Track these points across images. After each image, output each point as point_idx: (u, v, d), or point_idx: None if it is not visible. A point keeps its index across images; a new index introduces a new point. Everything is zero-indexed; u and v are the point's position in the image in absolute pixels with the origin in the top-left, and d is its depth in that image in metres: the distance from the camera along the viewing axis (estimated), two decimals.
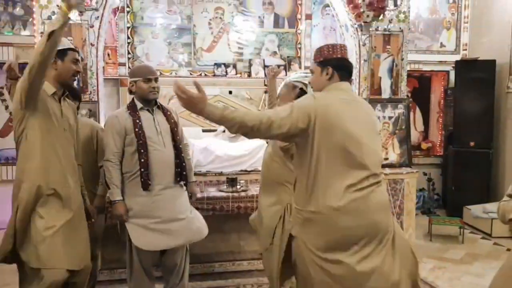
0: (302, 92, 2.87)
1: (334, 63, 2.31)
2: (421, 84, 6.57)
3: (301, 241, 2.24)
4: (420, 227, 5.16)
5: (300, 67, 5.79)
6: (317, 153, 2.15)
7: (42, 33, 3.93)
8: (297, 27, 5.97)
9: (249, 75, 5.74)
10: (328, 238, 2.16)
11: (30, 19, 5.54)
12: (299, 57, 5.95)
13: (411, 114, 6.46)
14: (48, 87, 2.51)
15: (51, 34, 2.22)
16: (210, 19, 5.82)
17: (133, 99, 3.13)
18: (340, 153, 2.16)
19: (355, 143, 2.17)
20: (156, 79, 3.10)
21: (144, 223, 2.99)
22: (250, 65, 5.82)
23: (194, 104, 2.04)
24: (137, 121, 3.00)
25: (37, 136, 2.44)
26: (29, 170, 2.44)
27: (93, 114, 4.02)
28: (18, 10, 5.61)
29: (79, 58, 2.67)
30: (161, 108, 3.18)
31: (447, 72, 6.51)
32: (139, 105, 3.08)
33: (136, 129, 2.98)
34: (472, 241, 5.11)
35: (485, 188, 5.77)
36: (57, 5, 3.88)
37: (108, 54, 5.49)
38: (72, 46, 2.67)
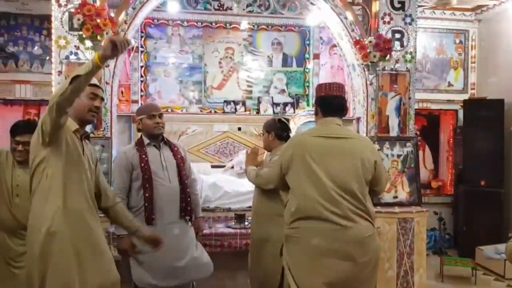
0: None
1: (318, 101, 2.67)
2: (429, 123, 6.60)
3: None
4: (431, 268, 5.08)
5: (308, 105, 5.88)
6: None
7: (59, 71, 4.07)
8: (305, 66, 6.10)
9: (258, 112, 5.84)
10: None
11: (48, 58, 5.74)
12: (307, 95, 6.05)
13: (421, 152, 6.46)
14: (71, 123, 2.41)
15: (75, 78, 2.13)
16: (221, 59, 5.98)
17: (141, 135, 3.21)
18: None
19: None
20: (160, 115, 3.18)
21: (148, 260, 3.00)
22: (259, 102, 5.92)
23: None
24: (144, 156, 3.07)
25: (59, 175, 2.30)
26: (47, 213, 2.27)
27: (106, 150, 4.09)
28: (37, 49, 5.81)
29: (99, 93, 2.51)
30: (168, 143, 3.25)
31: (456, 110, 6.54)
32: (146, 141, 3.15)
33: (142, 164, 3.04)
34: (485, 283, 5.00)
35: (497, 228, 5.68)
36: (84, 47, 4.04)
37: (122, 92, 5.63)
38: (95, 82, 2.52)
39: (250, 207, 4.42)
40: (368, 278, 2.59)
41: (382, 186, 2.78)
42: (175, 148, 3.25)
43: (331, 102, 2.62)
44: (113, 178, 3.15)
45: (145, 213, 3.00)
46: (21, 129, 3.01)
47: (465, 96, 6.44)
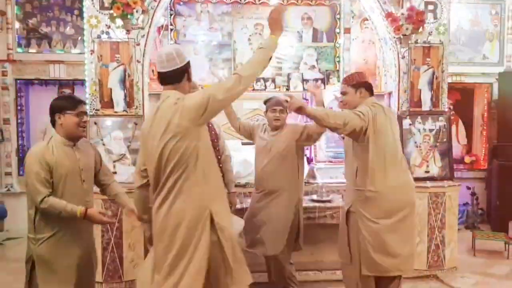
0: None
1: (366, 85, 3.19)
2: (463, 97, 6.47)
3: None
4: (463, 242, 5.06)
5: (338, 81, 5.83)
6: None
7: (92, 50, 4.16)
8: (335, 41, 6.01)
9: (288, 89, 5.82)
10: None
11: (80, 38, 5.86)
12: (338, 71, 5.98)
13: (454, 127, 6.37)
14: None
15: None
16: (250, 35, 5.96)
17: None
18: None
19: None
20: None
21: None
22: (289, 79, 5.90)
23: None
24: None
25: None
26: None
27: (139, 127, 4.18)
28: (69, 30, 5.93)
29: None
30: None
31: (491, 84, 6.39)
32: None
33: None
34: None
35: None
36: None
37: (153, 71, 5.69)
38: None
39: None
40: None
41: None
42: (210, 125, 3.31)
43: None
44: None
45: None
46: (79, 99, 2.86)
47: (501, 69, 6.26)
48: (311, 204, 4.15)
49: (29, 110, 5.97)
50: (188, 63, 2.49)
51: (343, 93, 3.21)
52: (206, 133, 2.50)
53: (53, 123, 2.71)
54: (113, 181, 3.01)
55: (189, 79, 2.51)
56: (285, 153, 3.54)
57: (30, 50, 5.84)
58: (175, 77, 2.46)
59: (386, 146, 3.03)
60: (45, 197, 2.54)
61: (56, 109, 2.68)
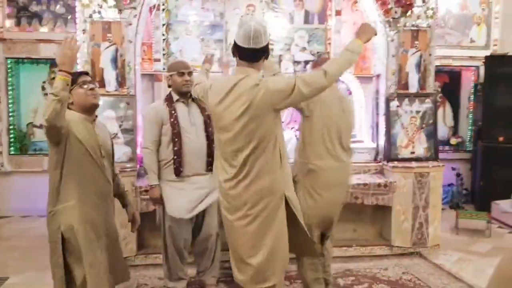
0: None
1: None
2: (451, 80, 6.57)
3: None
4: (447, 221, 5.21)
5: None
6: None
7: (84, 30, 4.18)
8: (327, 23, 6.05)
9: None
10: None
11: (67, 16, 5.84)
12: (329, 53, 6.03)
13: (441, 109, 6.48)
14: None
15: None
16: (242, 16, 5.96)
17: (170, 92, 3.35)
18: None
19: None
20: (189, 73, 3.32)
21: (178, 195, 3.26)
22: (280, 60, 5.94)
23: None
24: (173, 112, 3.22)
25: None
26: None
27: (131, 107, 4.24)
28: (59, 8, 5.90)
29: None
30: (196, 101, 3.37)
31: (477, 67, 6.49)
32: (175, 97, 3.30)
33: (172, 120, 3.20)
34: (499, 235, 5.13)
35: None
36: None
37: (144, 51, 5.71)
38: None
39: None
40: None
41: None
42: (203, 105, 3.38)
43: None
44: (144, 132, 3.34)
45: (174, 165, 3.19)
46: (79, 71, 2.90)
47: (487, 53, 6.36)
48: None
49: (20, 89, 5.96)
50: (268, 43, 2.54)
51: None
52: (281, 119, 2.60)
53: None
54: (117, 174, 2.96)
55: (265, 58, 2.58)
56: None
57: (21, 29, 5.81)
58: (256, 55, 2.51)
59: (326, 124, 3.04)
60: None
61: None
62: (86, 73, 2.76)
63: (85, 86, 2.60)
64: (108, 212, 2.69)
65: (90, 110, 2.64)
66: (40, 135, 5.88)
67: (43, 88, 5.93)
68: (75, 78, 2.57)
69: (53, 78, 5.84)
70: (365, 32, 2.65)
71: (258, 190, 2.51)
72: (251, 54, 2.50)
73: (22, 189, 5.56)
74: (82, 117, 2.59)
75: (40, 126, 5.80)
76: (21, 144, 5.84)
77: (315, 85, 2.45)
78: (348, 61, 2.56)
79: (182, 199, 3.26)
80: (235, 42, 2.56)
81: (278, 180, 2.54)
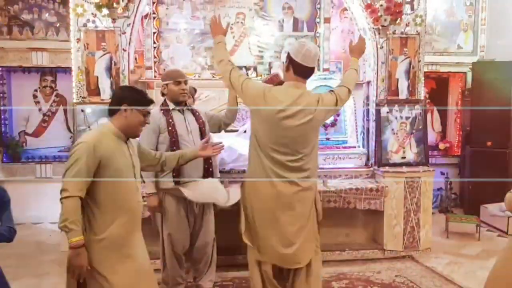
0: None
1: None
2: (438, 85, 6.69)
3: None
4: (437, 225, 5.30)
5: (318, 69, 5.97)
6: None
7: (78, 39, 4.21)
8: (316, 30, 6.14)
9: None
10: None
11: (59, 25, 5.85)
12: (318, 60, 6.10)
13: (429, 115, 6.59)
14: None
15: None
16: (232, 24, 6.03)
17: (164, 100, 3.38)
18: None
19: None
20: (185, 82, 3.35)
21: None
22: (270, 67, 6.01)
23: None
24: (170, 120, 3.26)
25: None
26: None
27: None
28: (51, 17, 5.91)
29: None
30: (191, 108, 3.42)
31: (465, 73, 6.62)
32: (171, 105, 3.33)
33: (170, 128, 3.24)
34: (488, 238, 5.22)
35: (501, 187, 5.82)
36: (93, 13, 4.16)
37: (135, 58, 5.74)
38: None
39: None
40: None
41: None
42: (197, 113, 3.44)
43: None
44: (140, 140, 3.33)
45: (173, 174, 3.21)
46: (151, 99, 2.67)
47: (474, 59, 6.50)
48: None
49: (11, 98, 5.95)
50: None
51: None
52: None
53: (113, 111, 2.49)
54: (161, 152, 3.01)
55: None
56: None
57: (12, 37, 5.81)
58: (311, 73, 2.95)
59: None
60: None
61: (126, 100, 2.46)
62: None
63: (145, 118, 2.53)
64: (138, 236, 2.60)
65: (130, 136, 2.55)
66: (32, 143, 5.88)
67: (35, 96, 5.92)
68: (148, 102, 2.52)
69: (45, 87, 5.87)
70: (358, 50, 3.27)
71: (310, 188, 2.95)
72: (309, 72, 2.91)
73: (15, 197, 5.43)
74: (118, 141, 2.46)
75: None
76: (14, 152, 5.81)
77: (344, 102, 3.06)
78: (356, 78, 3.23)
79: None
80: (292, 59, 2.86)
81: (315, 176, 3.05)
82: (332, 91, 3.05)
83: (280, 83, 3.11)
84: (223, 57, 3.12)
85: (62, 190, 2.30)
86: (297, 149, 2.87)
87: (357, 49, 3.29)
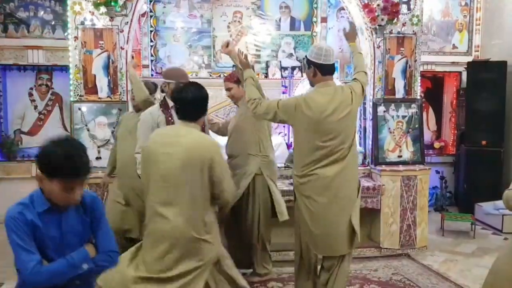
0: None
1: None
2: (434, 85, 6.74)
3: None
4: (433, 223, 5.33)
5: None
6: None
7: (75, 37, 4.20)
8: (312, 29, 6.17)
9: (266, 76, 5.96)
10: None
11: (55, 23, 5.83)
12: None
13: (424, 114, 6.63)
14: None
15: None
16: (229, 23, 6.05)
17: (164, 97, 3.39)
18: None
19: None
20: None
21: None
22: (267, 66, 6.03)
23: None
24: (170, 118, 3.27)
25: None
26: None
27: (123, 113, 4.26)
28: (47, 15, 5.88)
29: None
30: None
31: (460, 73, 6.66)
32: (170, 103, 3.33)
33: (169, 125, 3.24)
34: (483, 236, 5.27)
35: (496, 185, 5.89)
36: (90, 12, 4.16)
37: (132, 57, 5.73)
38: None
39: None
40: None
41: None
42: None
43: None
44: (138, 136, 3.34)
45: None
46: None
47: (469, 59, 6.53)
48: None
49: (6, 96, 5.91)
50: None
51: (228, 89, 3.81)
52: None
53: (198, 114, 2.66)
54: None
55: None
56: None
57: (8, 35, 5.78)
58: (334, 68, 3.11)
59: None
60: None
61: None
62: None
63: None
64: None
65: None
66: (27, 142, 5.85)
67: (30, 95, 5.89)
68: None
69: (41, 85, 5.83)
70: (352, 35, 3.43)
71: (354, 177, 3.08)
72: (333, 67, 3.08)
73: (10, 196, 5.43)
74: None
75: None
76: (9, 151, 5.78)
77: (366, 85, 3.40)
78: (364, 59, 3.47)
79: None
80: (316, 63, 3.00)
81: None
82: (355, 79, 3.19)
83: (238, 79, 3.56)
84: (254, 96, 3.10)
85: None
86: (340, 142, 2.96)
87: (351, 35, 3.44)
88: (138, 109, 3.68)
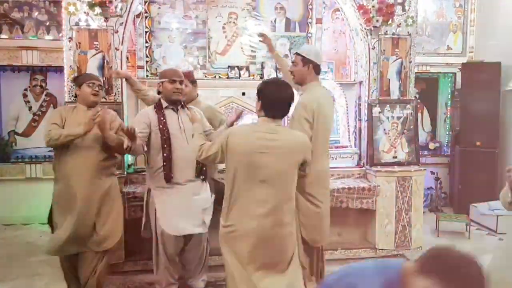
0: None
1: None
2: (428, 86, 6.76)
3: None
4: (428, 224, 5.35)
5: None
6: None
7: (70, 38, 4.18)
8: (308, 31, 6.17)
9: (262, 77, 5.94)
10: None
11: (49, 24, 5.81)
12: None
13: (419, 115, 6.65)
14: None
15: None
16: (224, 24, 6.04)
17: (159, 99, 3.38)
18: None
19: None
20: (181, 82, 3.35)
21: (170, 207, 3.26)
22: (263, 67, 6.02)
23: None
24: (162, 118, 3.26)
25: None
26: None
27: (118, 114, 4.23)
28: (41, 15, 5.87)
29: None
30: (186, 107, 3.42)
31: (454, 74, 6.69)
32: (164, 104, 3.33)
33: (160, 126, 3.24)
34: (478, 237, 5.28)
35: (491, 186, 5.93)
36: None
37: (127, 58, 5.71)
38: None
39: None
40: None
41: None
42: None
43: None
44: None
45: (164, 172, 3.20)
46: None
47: (464, 60, 6.57)
48: None
49: (0, 97, 5.88)
50: None
51: (185, 85, 3.69)
52: None
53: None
54: None
55: None
56: None
57: (2, 36, 5.75)
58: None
59: None
60: None
61: None
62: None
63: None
64: None
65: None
66: (22, 143, 5.82)
67: (25, 96, 5.87)
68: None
69: (35, 86, 5.80)
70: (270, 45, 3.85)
71: None
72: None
73: (5, 198, 5.47)
74: None
75: None
76: (3, 152, 5.75)
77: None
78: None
79: (175, 212, 3.27)
80: (315, 63, 3.29)
81: None
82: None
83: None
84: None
85: None
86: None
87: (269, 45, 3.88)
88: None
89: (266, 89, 2.67)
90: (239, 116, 3.32)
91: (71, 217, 3.15)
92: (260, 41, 4.02)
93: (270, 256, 2.60)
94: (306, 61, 3.24)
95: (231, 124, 3.23)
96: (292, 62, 3.39)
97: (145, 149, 3.26)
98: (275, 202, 2.58)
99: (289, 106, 2.71)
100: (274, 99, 2.63)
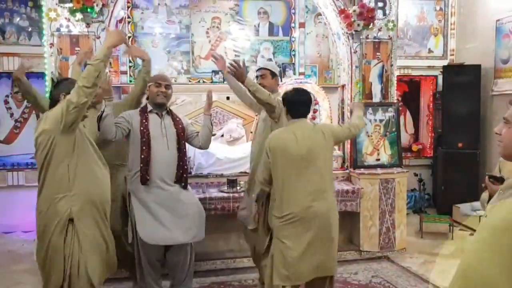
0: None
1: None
2: (410, 89, 6.83)
3: None
4: (411, 225, 5.40)
5: (294, 74, 6.03)
6: None
7: (51, 44, 4.15)
8: (291, 35, 6.21)
9: None
10: None
11: (31, 29, 5.76)
12: (293, 64, 6.18)
13: (402, 117, 6.72)
14: None
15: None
16: (208, 28, 6.05)
17: (146, 103, 3.42)
18: None
19: None
20: (166, 86, 3.37)
21: (149, 214, 3.24)
22: (247, 72, 6.02)
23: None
24: (144, 121, 3.27)
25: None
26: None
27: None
28: (23, 21, 5.81)
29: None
30: (171, 113, 3.43)
31: (436, 76, 6.77)
32: (149, 108, 3.35)
33: (141, 128, 3.24)
34: (461, 237, 5.34)
35: (473, 187, 6.00)
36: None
37: (110, 63, 5.68)
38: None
39: (241, 172, 4.66)
40: None
41: None
42: (177, 119, 3.44)
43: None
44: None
45: (141, 173, 3.19)
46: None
47: (445, 62, 6.66)
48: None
49: None
50: None
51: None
52: None
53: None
54: None
55: None
56: None
57: None
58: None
59: None
60: None
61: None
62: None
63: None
64: None
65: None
66: (3, 150, 5.75)
67: (6, 102, 5.80)
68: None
69: (16, 93, 5.74)
70: (240, 74, 3.42)
71: None
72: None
73: None
74: None
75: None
76: None
77: None
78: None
79: (153, 220, 3.24)
80: (277, 75, 3.80)
81: None
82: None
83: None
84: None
85: None
86: None
87: (239, 74, 3.45)
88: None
89: (288, 96, 3.10)
90: (209, 96, 3.61)
91: None
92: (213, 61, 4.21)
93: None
94: (273, 74, 3.72)
95: (208, 109, 3.57)
96: (261, 76, 3.69)
97: (117, 137, 3.22)
98: (321, 185, 3.01)
99: (309, 106, 3.15)
100: (295, 101, 3.07)
